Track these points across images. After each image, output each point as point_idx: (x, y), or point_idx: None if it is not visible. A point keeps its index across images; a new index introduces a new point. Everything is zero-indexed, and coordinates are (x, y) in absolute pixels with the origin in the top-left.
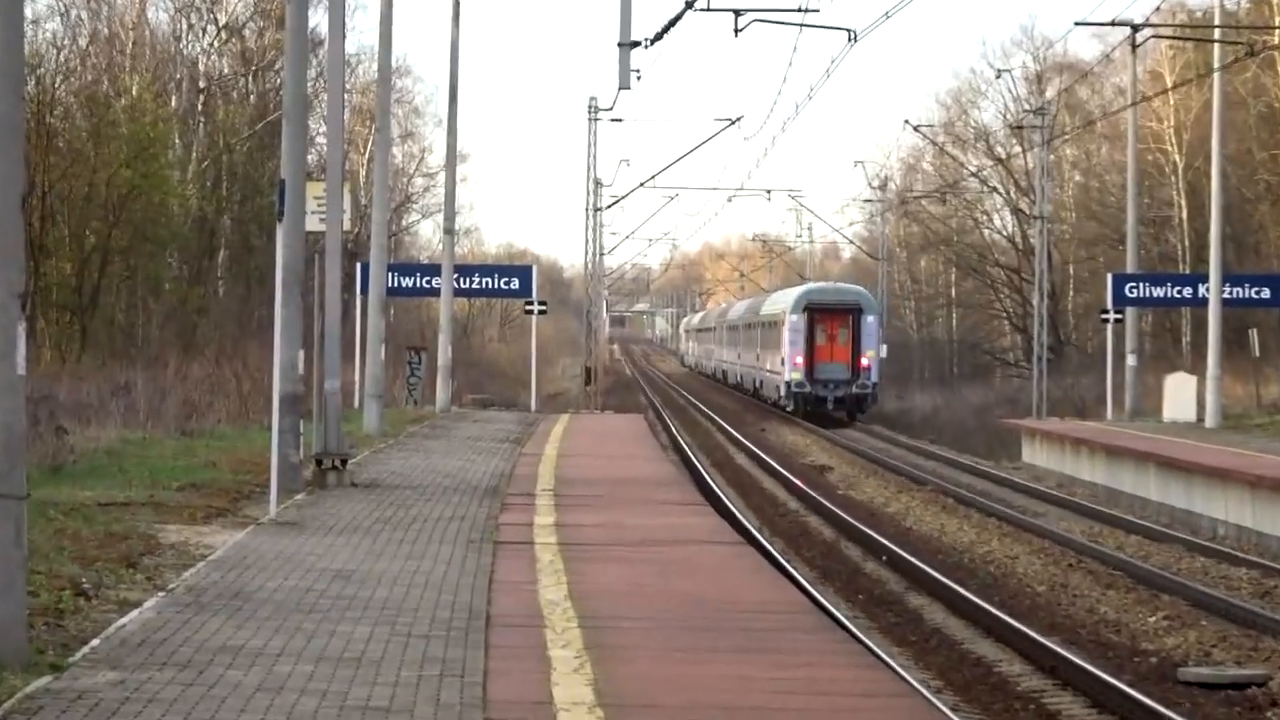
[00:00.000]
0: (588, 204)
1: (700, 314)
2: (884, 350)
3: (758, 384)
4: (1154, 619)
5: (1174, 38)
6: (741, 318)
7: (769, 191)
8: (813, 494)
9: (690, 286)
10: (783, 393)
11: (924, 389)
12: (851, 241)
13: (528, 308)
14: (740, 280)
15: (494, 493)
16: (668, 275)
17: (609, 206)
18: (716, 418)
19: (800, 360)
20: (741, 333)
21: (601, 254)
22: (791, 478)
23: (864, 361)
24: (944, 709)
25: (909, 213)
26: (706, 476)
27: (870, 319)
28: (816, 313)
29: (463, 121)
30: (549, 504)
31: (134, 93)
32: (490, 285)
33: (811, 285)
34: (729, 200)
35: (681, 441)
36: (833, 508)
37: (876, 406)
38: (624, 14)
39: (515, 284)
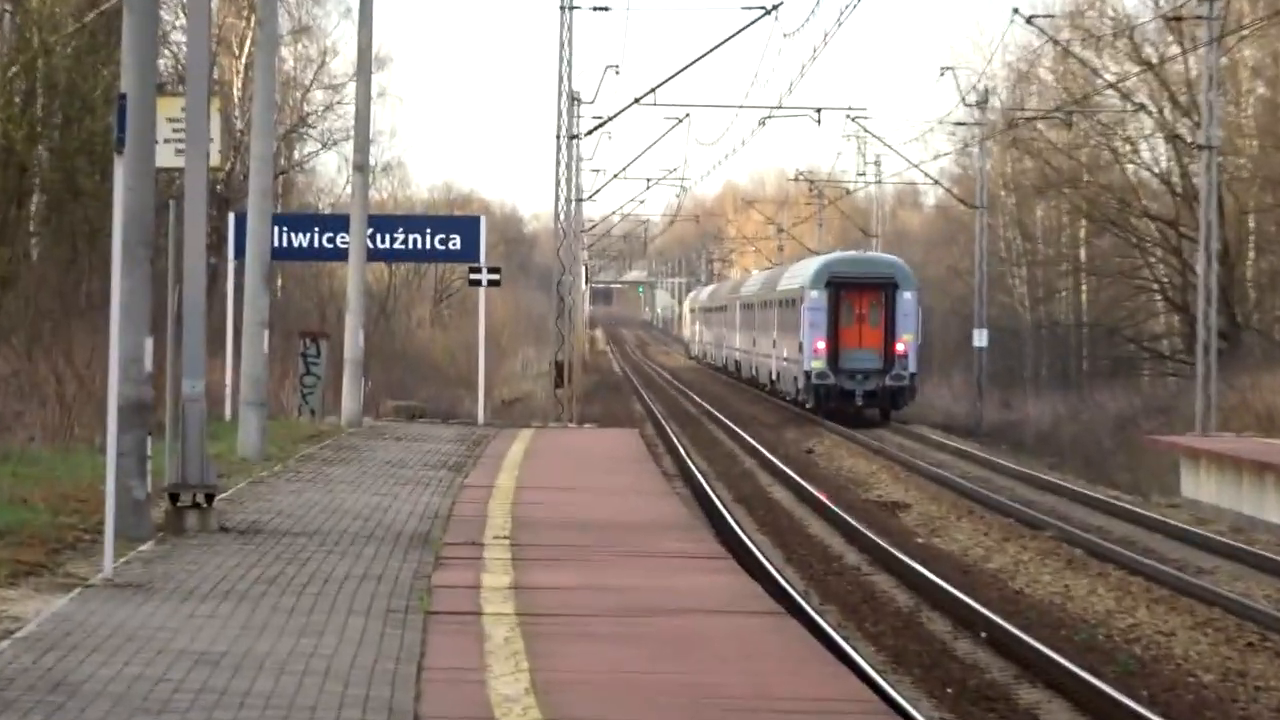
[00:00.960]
0: (559, 129)
1: (709, 288)
2: (982, 338)
3: (774, 376)
4: None
5: None
6: (757, 294)
7: (818, 111)
8: (881, 543)
9: (705, 247)
10: (801, 385)
11: (1040, 393)
12: (936, 182)
13: (474, 277)
14: (778, 237)
15: (425, 542)
16: (674, 230)
17: (590, 132)
18: (742, 433)
19: (822, 346)
20: (756, 313)
21: (579, 200)
22: (850, 519)
23: (899, 347)
24: None
25: (1019, 141)
26: (729, 517)
27: (907, 295)
28: (842, 288)
29: (381, 10)
30: (503, 558)
31: None
32: (420, 245)
33: (836, 255)
34: (761, 124)
35: (693, 467)
36: (910, 562)
37: (976, 421)
38: None
39: (456, 243)
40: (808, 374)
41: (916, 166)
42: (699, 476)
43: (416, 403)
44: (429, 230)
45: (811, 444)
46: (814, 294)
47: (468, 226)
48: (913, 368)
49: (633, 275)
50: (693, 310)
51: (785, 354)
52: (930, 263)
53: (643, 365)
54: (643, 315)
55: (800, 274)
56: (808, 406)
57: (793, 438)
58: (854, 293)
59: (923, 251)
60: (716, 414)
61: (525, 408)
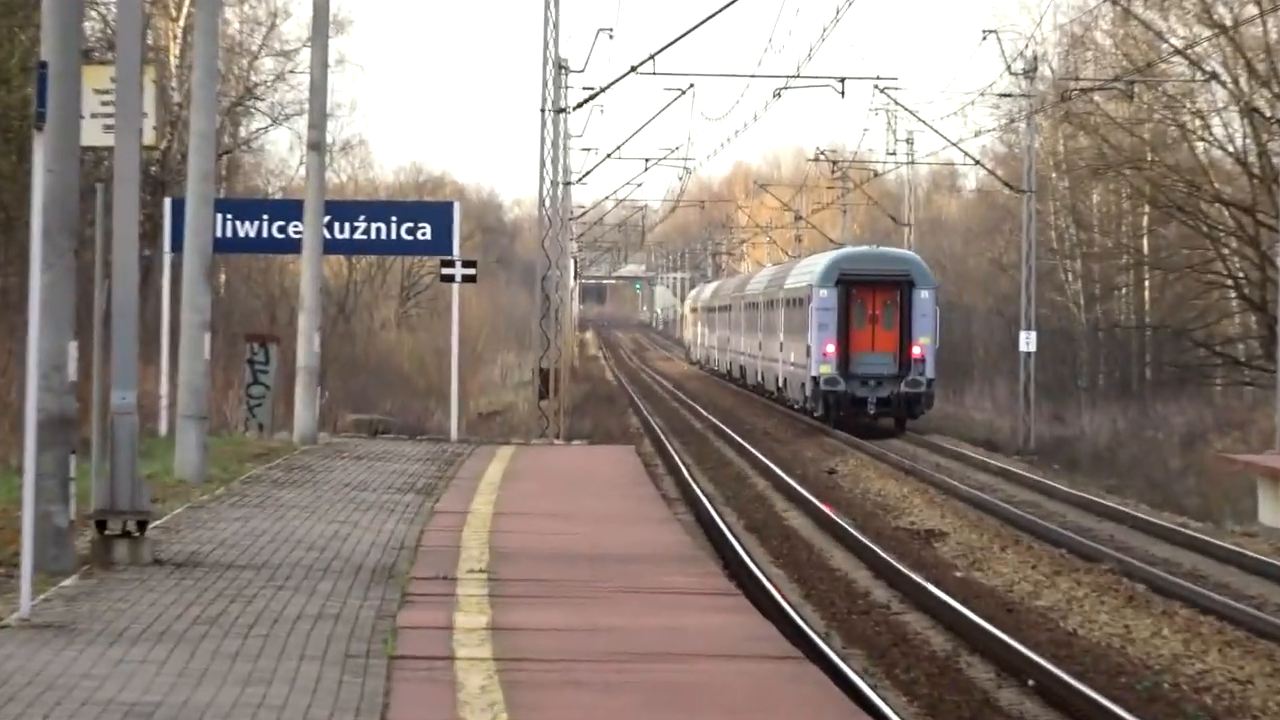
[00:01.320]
0: (544, 102)
1: (712, 285)
2: (1030, 342)
3: (780, 382)
4: None
5: None
6: (763, 292)
7: (842, 81)
8: (914, 577)
9: (712, 237)
10: (809, 392)
11: (1097, 404)
12: (978, 163)
13: (446, 271)
14: (796, 225)
15: (389, 576)
16: (676, 218)
17: (580, 105)
18: (754, 450)
19: (831, 349)
20: (762, 313)
21: (567, 183)
22: (879, 550)
23: (916, 350)
24: None
25: (1073, 115)
26: (739, 547)
27: (925, 294)
28: (853, 286)
29: None
30: (479, 594)
31: None
32: (385, 235)
33: (846, 250)
34: (777, 95)
35: (697, 490)
36: (947, 599)
37: (1023, 437)
38: None
39: (425, 232)
40: (815, 380)
41: (955, 145)
42: (704, 500)
43: (380, 416)
44: (395, 218)
45: (834, 463)
46: (822, 293)
47: (439, 214)
48: (930, 373)
49: (629, 270)
50: (694, 310)
51: (792, 358)
52: (971, 255)
53: (640, 373)
54: (640, 315)
55: (808, 271)
56: (816, 415)
57: (812, 455)
58: (866, 291)
59: (962, 242)
60: (724, 428)
61: (505, 422)
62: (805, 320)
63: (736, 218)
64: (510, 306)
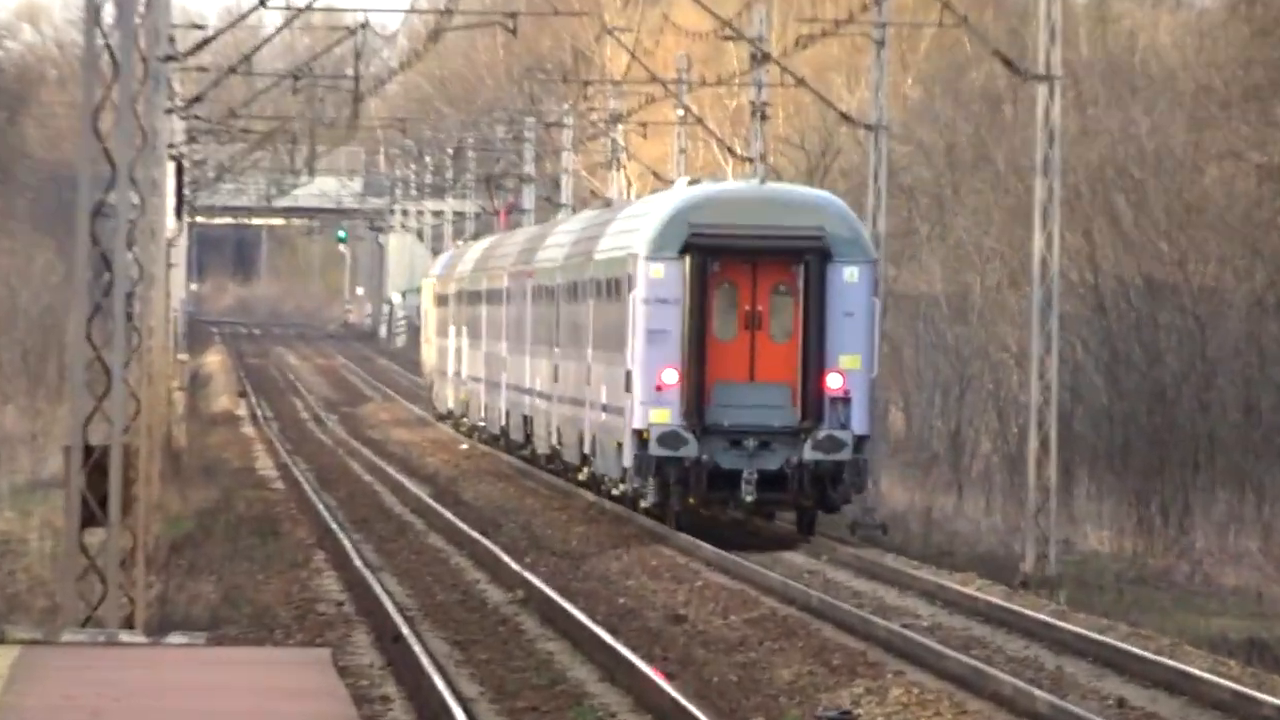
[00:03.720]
0: None
1: (479, 247)
2: None
3: (587, 445)
4: None
5: None
6: (562, 265)
7: None
8: None
9: (540, 110)
10: (629, 460)
11: None
12: None
13: None
14: (750, 77)
15: None
16: (444, 58)
17: None
18: (633, 659)
19: (672, 378)
20: (561, 308)
21: None
22: None
23: (833, 380)
24: None
25: None
26: None
27: (851, 274)
28: (712, 257)
29: None
30: None
31: None
32: None
33: (703, 188)
34: None
35: None
36: None
37: None
38: None
39: None
40: (640, 435)
41: None
42: None
43: None
44: None
45: (852, 695)
46: (654, 269)
47: None
48: (862, 426)
49: (317, 191)
50: (442, 299)
51: (604, 397)
52: (1208, 158)
53: (346, 454)
54: (346, 310)
55: (632, 226)
56: (644, 505)
57: (793, 674)
58: (740, 268)
59: (1185, 129)
60: (563, 604)
61: None
62: (622, 320)
63: (603, 59)
64: (11, 282)
